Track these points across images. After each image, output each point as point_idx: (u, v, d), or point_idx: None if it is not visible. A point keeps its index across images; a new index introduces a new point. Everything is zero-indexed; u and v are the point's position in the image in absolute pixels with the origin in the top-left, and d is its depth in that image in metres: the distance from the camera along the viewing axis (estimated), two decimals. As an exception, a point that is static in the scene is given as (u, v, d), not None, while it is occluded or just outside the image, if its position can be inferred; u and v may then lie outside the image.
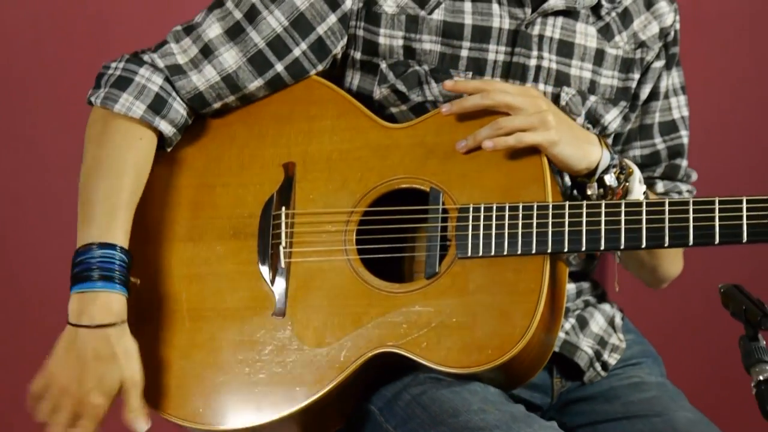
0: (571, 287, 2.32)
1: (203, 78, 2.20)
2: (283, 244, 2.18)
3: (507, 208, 2.11)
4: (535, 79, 2.23)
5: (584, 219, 2.10)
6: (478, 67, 2.22)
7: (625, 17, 2.31)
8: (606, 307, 2.38)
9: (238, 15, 2.20)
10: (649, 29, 2.33)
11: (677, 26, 2.36)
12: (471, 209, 2.12)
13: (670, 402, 2.26)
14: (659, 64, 2.34)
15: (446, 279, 2.13)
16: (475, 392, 2.08)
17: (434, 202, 2.14)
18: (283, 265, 2.17)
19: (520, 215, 2.10)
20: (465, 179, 2.15)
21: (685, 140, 2.39)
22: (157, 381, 2.15)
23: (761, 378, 1.93)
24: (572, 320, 2.32)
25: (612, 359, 2.33)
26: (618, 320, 2.38)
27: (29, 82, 3.40)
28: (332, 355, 2.12)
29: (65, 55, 3.37)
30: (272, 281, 2.17)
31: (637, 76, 2.32)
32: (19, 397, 3.18)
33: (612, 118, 2.30)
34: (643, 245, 2.07)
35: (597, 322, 2.35)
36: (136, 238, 2.16)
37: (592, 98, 2.28)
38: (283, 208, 2.18)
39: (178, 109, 2.19)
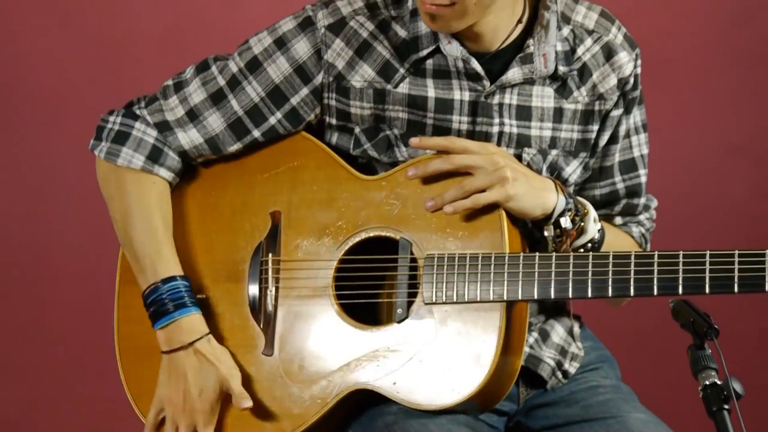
0: (533, 306, 2.33)
1: (188, 138, 2.26)
2: (271, 289, 2.22)
3: (468, 257, 2.14)
4: (498, 144, 2.24)
5: (536, 270, 2.13)
6: (443, 135, 2.24)
7: (584, 73, 2.27)
8: (565, 318, 2.39)
9: (221, 82, 2.26)
10: (607, 81, 2.29)
11: (638, 71, 2.33)
12: (436, 258, 2.15)
13: (623, 404, 2.29)
14: (618, 112, 2.32)
15: (414, 322, 2.16)
16: (442, 425, 2.12)
17: (403, 251, 2.17)
18: (270, 308, 2.21)
19: (479, 264, 2.13)
20: (431, 230, 2.17)
21: (644, 179, 2.38)
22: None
23: (707, 383, 1.98)
24: (535, 334, 2.34)
25: (572, 368, 2.35)
26: (576, 329, 2.39)
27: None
28: (315, 392, 2.17)
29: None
30: (261, 323, 2.22)
31: (596, 126, 2.30)
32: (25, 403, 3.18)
33: (572, 169, 2.30)
34: (590, 295, 2.12)
35: (558, 333, 2.36)
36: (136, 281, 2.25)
37: (553, 152, 2.27)
38: (270, 255, 2.22)
39: (174, 157, 2.27)
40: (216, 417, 2.17)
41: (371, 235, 2.21)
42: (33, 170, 3.39)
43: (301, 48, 2.24)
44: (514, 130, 2.25)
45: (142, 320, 2.22)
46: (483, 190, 2.15)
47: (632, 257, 2.10)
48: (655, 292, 2.10)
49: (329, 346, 2.19)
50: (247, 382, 2.20)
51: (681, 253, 2.10)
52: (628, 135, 2.35)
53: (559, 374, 2.34)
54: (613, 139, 2.33)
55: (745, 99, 3.83)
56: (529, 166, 2.25)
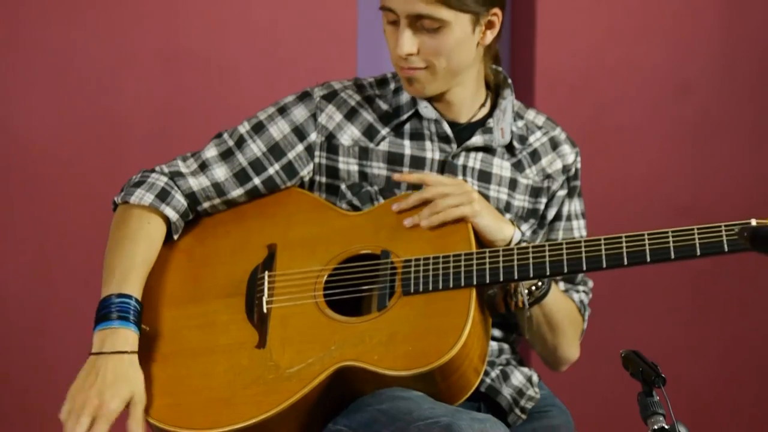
0: (494, 345, 2.39)
1: (197, 182, 2.36)
2: (266, 296, 2.27)
3: (441, 257, 2.24)
4: None
5: (500, 258, 2.22)
6: (416, 189, 2.35)
7: (534, 155, 2.45)
8: (525, 369, 2.43)
9: (230, 143, 2.39)
10: (554, 165, 2.46)
11: (578, 165, 2.49)
12: (413, 261, 2.25)
13: None
14: (562, 192, 2.47)
15: (394, 310, 2.22)
16: (426, 399, 2.13)
17: (384, 258, 2.27)
18: (264, 310, 2.26)
19: (451, 260, 2.23)
20: (407, 244, 2.28)
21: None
22: (160, 399, 2.22)
23: (656, 427, 2.00)
24: (497, 371, 2.38)
25: (529, 405, 2.39)
26: (535, 378, 2.43)
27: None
28: (302, 371, 2.19)
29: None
30: (256, 323, 2.26)
31: (544, 200, 2.45)
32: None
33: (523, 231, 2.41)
34: (531, 274, 2.21)
35: (517, 377, 2.40)
36: (153, 303, 2.30)
37: (507, 215, 2.40)
38: (266, 272, 2.30)
39: (180, 199, 2.34)
40: (113, 421, 2.16)
41: (356, 252, 2.30)
42: (32, 238, 3.38)
43: (299, 112, 2.39)
44: (475, 189, 2.36)
45: (150, 337, 2.28)
46: (454, 207, 2.28)
47: (582, 244, 2.21)
48: (584, 267, 2.21)
49: (316, 335, 2.23)
50: (242, 372, 2.22)
51: (623, 235, 2.23)
52: (569, 218, 2.49)
53: (518, 410, 2.37)
54: (558, 217, 2.48)
55: (690, 164, 3.86)
56: None
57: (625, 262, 2.20)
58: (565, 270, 2.21)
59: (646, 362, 2.08)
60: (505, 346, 2.43)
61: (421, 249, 2.27)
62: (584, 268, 2.21)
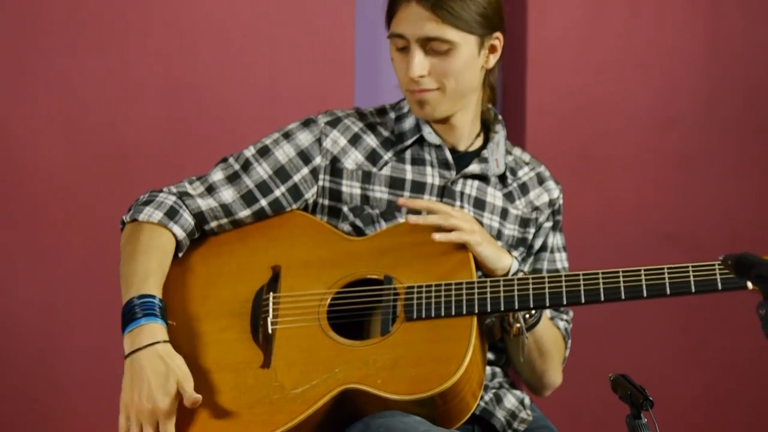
0: (488, 370, 2.39)
1: (205, 203, 2.36)
2: (271, 317, 2.26)
3: (443, 285, 2.24)
4: None
5: (501, 288, 2.23)
6: (415, 213, 2.36)
7: (523, 188, 2.49)
8: (517, 392, 2.43)
9: (236, 167, 2.39)
10: (541, 198, 2.51)
11: (561, 201, 2.54)
12: (415, 287, 2.25)
13: None
14: (548, 224, 2.51)
15: (397, 335, 2.22)
16: (423, 422, 2.13)
17: (387, 283, 2.27)
18: (270, 330, 2.25)
19: (453, 288, 2.23)
20: (410, 269, 2.29)
21: None
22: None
23: None
24: (491, 394, 2.38)
25: (521, 427, 2.39)
26: (527, 401, 2.43)
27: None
28: (307, 392, 2.18)
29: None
30: (261, 342, 2.25)
31: (532, 230, 2.48)
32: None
33: None
34: (531, 305, 2.22)
35: (510, 401, 2.40)
36: (173, 326, 2.27)
37: (499, 243, 2.41)
38: (271, 294, 2.29)
39: (188, 218, 2.34)
40: (175, 415, 2.16)
41: (360, 277, 2.30)
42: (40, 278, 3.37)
43: (304, 137, 2.41)
44: (471, 215, 2.39)
45: None
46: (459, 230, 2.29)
47: (580, 276, 2.24)
48: (583, 300, 2.23)
49: (321, 357, 2.21)
50: (247, 391, 2.21)
51: (621, 270, 2.25)
52: (552, 251, 2.52)
53: None
54: (543, 248, 2.51)
55: (675, 193, 3.87)
56: None
57: (623, 296, 2.22)
58: (564, 302, 2.23)
59: (635, 386, 2.09)
60: (498, 369, 2.43)
61: (424, 276, 2.27)
62: (582, 301, 2.23)
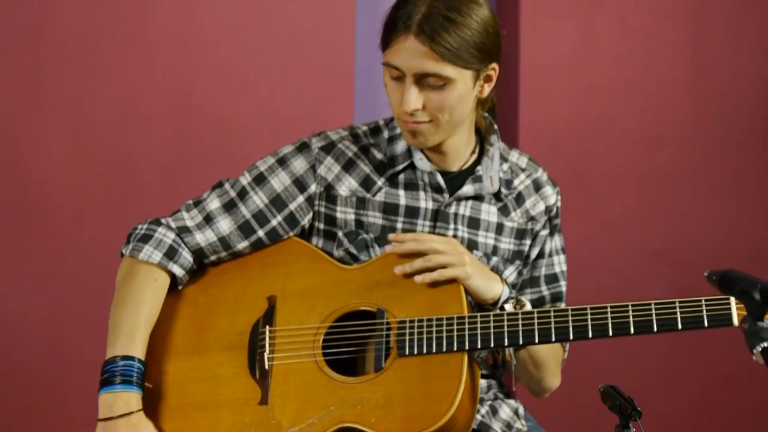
0: (483, 383, 2.36)
1: (204, 237, 2.29)
2: (267, 352, 2.22)
3: (434, 320, 2.19)
4: None
5: (491, 324, 2.18)
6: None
7: (519, 199, 2.40)
8: (511, 401, 2.41)
9: (232, 194, 2.32)
10: (537, 207, 2.41)
11: (559, 204, 2.45)
12: (407, 322, 2.20)
13: None
14: (545, 232, 2.42)
15: (390, 372, 2.17)
16: None
17: (380, 317, 2.21)
18: (266, 366, 2.21)
19: (444, 324, 2.18)
20: (402, 302, 2.22)
21: (564, 289, 2.45)
22: None
23: None
24: (486, 407, 2.36)
25: None
26: (521, 410, 2.41)
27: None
28: (304, 430, 2.16)
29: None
30: (258, 378, 2.21)
31: (528, 242, 2.40)
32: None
33: (509, 273, 2.37)
34: (521, 341, 2.17)
35: (505, 411, 2.38)
36: (160, 353, 2.25)
37: (495, 258, 2.36)
38: (267, 327, 2.24)
39: (187, 257, 2.28)
40: None
41: (353, 309, 2.25)
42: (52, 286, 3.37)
43: (299, 164, 2.33)
44: (465, 235, 2.34)
45: (156, 387, 2.24)
46: (445, 267, 2.23)
47: (569, 312, 2.18)
48: (590, 335, 2.18)
49: (316, 394, 2.18)
50: (244, 427, 2.18)
51: (608, 305, 2.21)
52: (551, 254, 2.44)
53: None
54: (540, 255, 2.43)
55: (662, 211, 3.87)
56: None
57: (610, 333, 2.18)
58: (553, 338, 2.18)
59: (623, 396, 2.09)
60: (493, 381, 2.41)
61: (415, 309, 2.21)
62: (570, 337, 2.18)
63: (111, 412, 2.16)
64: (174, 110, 3.41)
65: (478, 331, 2.17)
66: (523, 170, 2.43)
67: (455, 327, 2.18)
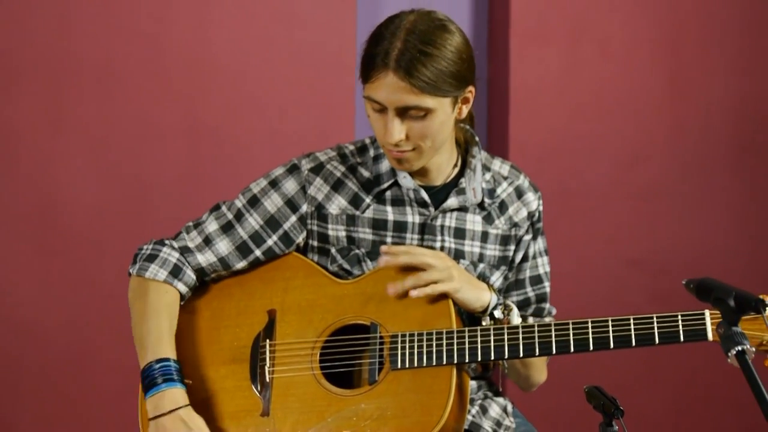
0: (473, 384, 2.33)
1: (205, 258, 2.27)
2: (268, 365, 2.21)
3: (425, 334, 2.17)
4: None
5: (478, 339, 2.16)
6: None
7: (502, 206, 2.36)
8: (500, 399, 2.39)
9: (229, 216, 2.29)
10: (520, 213, 2.37)
11: (540, 208, 2.41)
12: (399, 336, 2.18)
13: None
14: (528, 237, 2.38)
15: (383, 385, 2.16)
16: None
17: (373, 332, 2.19)
18: (267, 379, 2.20)
19: (434, 339, 2.16)
20: (395, 316, 2.20)
21: (548, 289, 2.43)
22: None
23: None
24: (477, 407, 2.35)
25: None
26: (509, 408, 2.40)
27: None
28: None
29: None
30: (260, 391, 2.20)
31: (512, 247, 2.36)
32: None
33: (496, 278, 2.35)
34: (506, 355, 2.15)
35: (494, 409, 2.37)
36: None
37: (481, 265, 2.33)
38: (268, 341, 2.23)
39: (190, 275, 2.27)
40: None
41: (348, 323, 2.23)
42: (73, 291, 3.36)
43: (290, 186, 2.30)
44: (452, 245, 2.31)
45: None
46: (435, 283, 2.21)
47: (552, 327, 2.16)
48: (554, 351, 2.16)
49: (314, 406, 2.17)
50: None
51: (589, 320, 2.17)
52: (535, 257, 2.41)
53: None
54: (525, 258, 2.40)
55: (641, 223, 3.86)
56: None
57: (591, 348, 2.16)
58: (537, 353, 2.15)
59: (607, 396, 2.09)
60: (483, 381, 2.40)
61: (407, 323, 2.19)
62: (553, 351, 2.15)
63: (160, 409, 2.14)
64: (185, 129, 3.41)
65: (466, 346, 2.16)
66: (505, 178, 2.39)
67: (444, 341, 2.16)
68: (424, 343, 2.16)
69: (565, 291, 3.68)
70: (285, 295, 2.25)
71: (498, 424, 2.36)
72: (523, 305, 2.41)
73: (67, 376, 3.32)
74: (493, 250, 2.35)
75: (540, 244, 2.42)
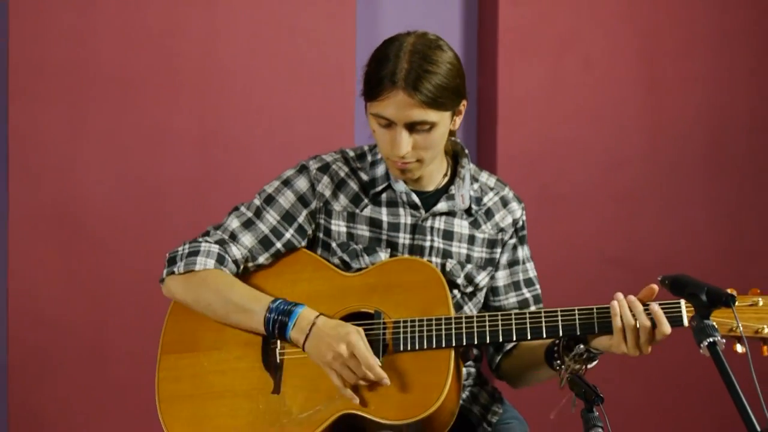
0: (464, 372, 2.36)
1: (237, 251, 2.30)
2: (279, 347, 2.22)
3: (425, 320, 2.20)
4: (429, 254, 2.33)
5: (474, 324, 2.19)
6: (394, 247, 2.33)
7: (488, 213, 2.39)
8: (488, 387, 2.43)
9: (249, 214, 2.33)
10: (505, 220, 2.40)
11: (524, 217, 2.44)
12: (401, 322, 2.21)
13: None
14: (513, 241, 2.42)
15: (386, 365, 2.17)
16: None
17: (377, 318, 2.22)
18: (278, 360, 2.22)
19: (434, 324, 2.19)
20: (397, 305, 2.23)
21: (540, 291, 2.47)
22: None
23: None
24: (467, 393, 2.38)
25: (494, 419, 2.39)
26: (497, 395, 2.43)
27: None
28: (312, 416, 2.18)
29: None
30: (271, 371, 2.22)
31: (498, 250, 2.40)
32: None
33: (482, 278, 2.38)
34: (500, 338, 2.18)
35: (483, 396, 2.40)
36: (185, 348, 2.26)
37: (468, 266, 2.35)
38: None
39: (231, 264, 2.29)
40: (366, 344, 2.15)
41: (354, 310, 2.24)
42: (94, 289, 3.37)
43: (301, 184, 2.34)
44: (441, 246, 2.34)
45: (180, 379, 2.25)
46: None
47: (542, 314, 2.19)
48: (544, 335, 2.18)
49: (323, 384, 2.18)
50: (259, 414, 2.19)
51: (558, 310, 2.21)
52: (524, 262, 2.44)
53: (485, 424, 2.37)
54: (515, 262, 2.43)
55: (621, 224, 3.86)
56: (451, 273, 2.34)
57: (578, 332, 2.18)
58: (529, 336, 2.18)
59: (588, 384, 2.11)
60: (472, 370, 2.41)
61: (407, 310, 2.22)
62: (544, 336, 2.18)
63: (302, 333, 2.16)
64: (197, 137, 3.40)
65: (463, 330, 2.18)
66: (492, 189, 2.42)
67: (443, 327, 2.18)
68: (425, 329, 2.18)
69: (551, 286, 3.66)
70: (294, 287, 2.27)
71: (486, 409, 2.39)
72: (522, 306, 2.44)
73: (87, 368, 3.32)
74: (480, 252, 2.38)
75: (526, 251, 2.45)
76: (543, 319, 2.17)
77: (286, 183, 2.34)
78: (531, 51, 3.75)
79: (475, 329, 2.18)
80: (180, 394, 2.23)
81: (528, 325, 2.18)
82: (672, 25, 3.88)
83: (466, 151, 2.39)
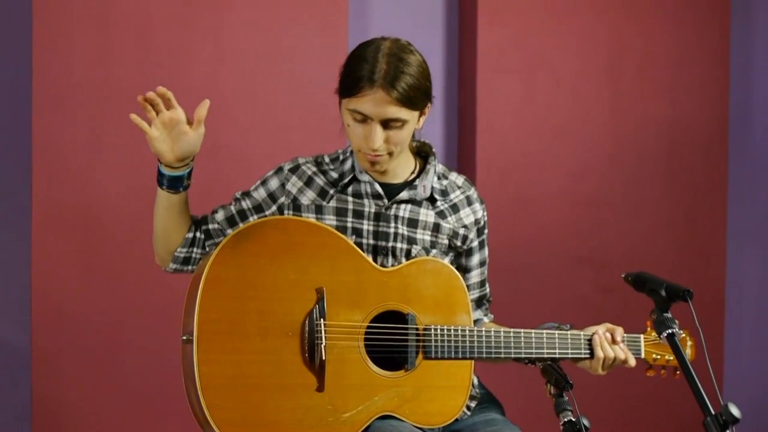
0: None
1: (210, 224, 2.39)
2: (323, 344, 2.16)
3: (452, 329, 2.23)
4: (395, 240, 2.31)
5: (501, 339, 2.25)
6: (359, 233, 2.31)
7: (454, 208, 2.39)
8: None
9: (232, 203, 2.42)
10: (468, 218, 2.40)
11: (485, 218, 2.44)
12: (432, 329, 2.23)
13: None
14: (473, 235, 2.41)
15: (419, 370, 2.21)
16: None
17: (411, 322, 2.23)
18: (323, 358, 2.16)
19: (459, 335, 2.23)
20: (428, 310, 2.24)
21: (488, 290, 2.50)
22: (242, 428, 2.10)
23: (565, 420, 2.04)
24: None
25: (472, 403, 2.40)
26: (475, 381, 2.42)
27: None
28: (354, 416, 2.16)
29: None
30: (315, 367, 2.17)
31: (459, 242, 2.39)
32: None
33: (446, 261, 2.36)
34: (522, 355, 2.27)
35: None
36: (228, 329, 2.14)
37: (433, 251, 2.34)
38: (322, 320, 2.17)
39: (199, 231, 2.40)
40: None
41: (389, 308, 2.23)
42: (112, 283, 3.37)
43: (273, 183, 2.37)
44: (405, 232, 2.33)
45: (221, 364, 2.13)
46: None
47: (556, 333, 2.29)
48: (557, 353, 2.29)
49: (363, 385, 2.17)
50: (304, 410, 2.13)
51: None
52: (481, 264, 2.46)
53: (464, 408, 2.37)
54: (474, 266, 2.45)
55: (587, 226, 3.85)
56: (416, 257, 2.32)
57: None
58: (545, 352, 2.27)
59: (559, 372, 2.11)
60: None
61: (435, 315, 2.23)
62: (557, 354, 2.28)
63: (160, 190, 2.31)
64: (206, 149, 3.38)
65: (483, 344, 2.24)
66: (459, 188, 2.42)
67: (467, 338, 2.23)
68: (452, 338, 2.22)
69: (524, 284, 3.70)
70: (331, 276, 2.20)
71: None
72: (480, 303, 2.47)
73: (106, 360, 3.31)
74: (444, 239, 2.37)
75: (485, 253, 2.46)
76: (556, 339, 2.28)
77: (263, 182, 2.38)
78: (507, 69, 3.76)
79: (502, 345, 2.25)
80: (222, 382, 2.10)
81: (533, 340, 2.26)
82: (633, 48, 3.89)
83: (434, 150, 2.40)
